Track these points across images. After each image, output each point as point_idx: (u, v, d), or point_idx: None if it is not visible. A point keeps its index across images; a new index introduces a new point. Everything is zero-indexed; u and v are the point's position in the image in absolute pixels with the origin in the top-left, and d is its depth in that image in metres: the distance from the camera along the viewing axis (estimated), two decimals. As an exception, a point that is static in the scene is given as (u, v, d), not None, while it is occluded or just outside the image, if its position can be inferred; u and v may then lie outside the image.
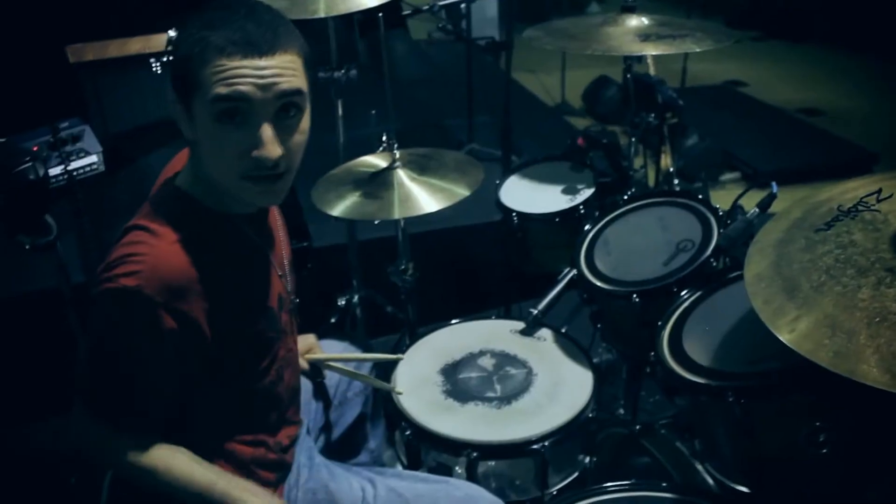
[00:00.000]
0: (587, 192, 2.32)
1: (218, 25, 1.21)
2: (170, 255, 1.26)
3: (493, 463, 1.78)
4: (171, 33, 2.48)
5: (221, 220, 1.37)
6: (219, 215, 1.36)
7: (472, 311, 2.78)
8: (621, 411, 2.29)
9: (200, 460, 1.36)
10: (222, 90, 1.20)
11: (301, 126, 1.30)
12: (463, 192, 1.99)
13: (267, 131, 1.24)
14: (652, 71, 3.36)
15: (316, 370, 1.81)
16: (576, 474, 1.75)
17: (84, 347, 1.32)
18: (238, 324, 1.37)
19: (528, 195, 2.43)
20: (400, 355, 1.90)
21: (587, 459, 1.76)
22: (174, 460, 1.34)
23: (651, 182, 3.28)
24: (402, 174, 2.04)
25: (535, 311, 1.99)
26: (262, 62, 1.21)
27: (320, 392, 1.82)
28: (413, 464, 1.75)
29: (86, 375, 1.34)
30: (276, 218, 1.57)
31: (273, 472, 1.52)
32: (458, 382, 1.82)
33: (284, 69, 1.23)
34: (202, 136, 1.27)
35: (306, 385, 1.78)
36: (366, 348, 2.04)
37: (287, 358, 1.53)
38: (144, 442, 1.34)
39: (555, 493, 1.70)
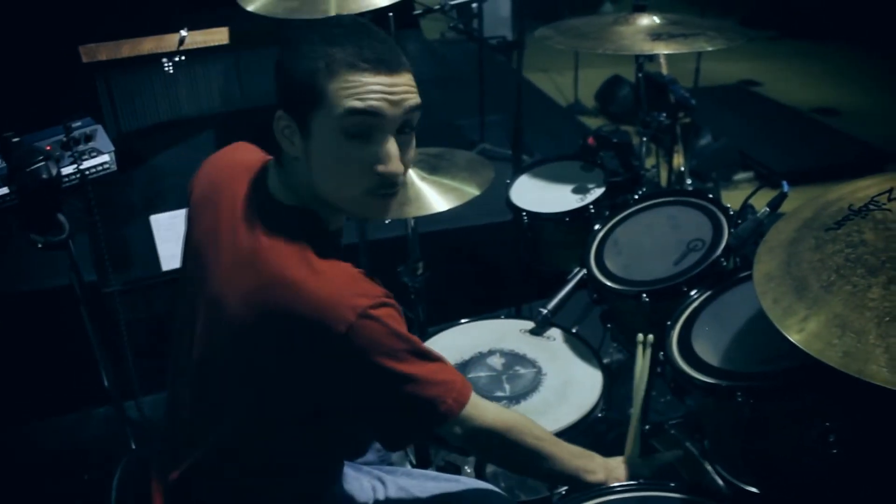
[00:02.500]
0: (597, 192, 2.32)
1: (341, 42, 1.22)
2: (336, 270, 1.24)
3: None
4: (183, 33, 2.49)
5: (330, 234, 1.36)
6: (327, 230, 1.35)
7: (482, 310, 2.79)
8: (630, 410, 2.28)
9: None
10: (357, 104, 1.20)
11: (413, 141, 1.32)
12: (473, 191, 1.99)
13: (394, 147, 1.25)
14: (665, 70, 3.35)
15: None
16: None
17: (385, 391, 1.24)
18: None
19: (538, 195, 2.42)
20: None
21: (596, 459, 1.75)
22: (525, 422, 1.41)
23: (663, 182, 3.27)
24: (412, 173, 2.04)
25: (545, 311, 1.99)
26: (392, 79, 1.22)
27: None
28: (422, 463, 1.76)
29: (416, 400, 1.26)
30: None
31: None
32: (467, 382, 1.81)
33: (409, 86, 1.25)
34: (321, 152, 1.25)
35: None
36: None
37: None
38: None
39: (563, 492, 1.70)
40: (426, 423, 1.29)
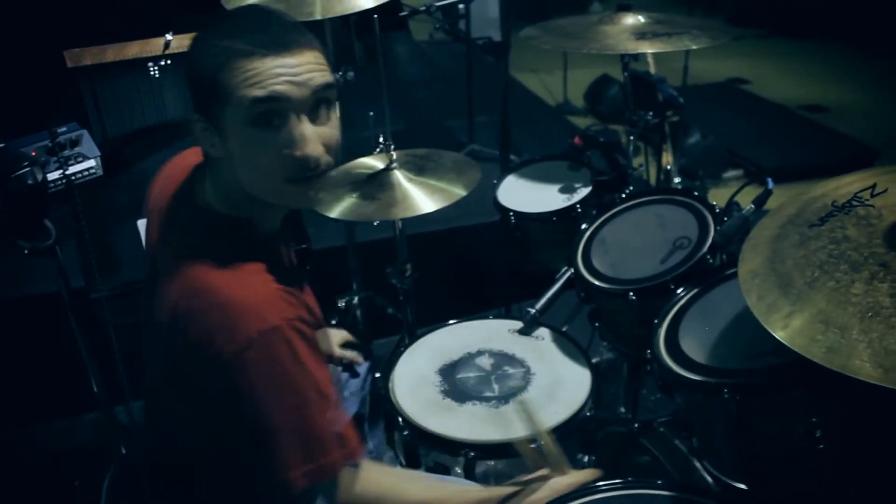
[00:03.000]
0: (584, 191, 2.32)
1: (238, 33, 1.19)
2: (249, 283, 1.22)
3: (491, 462, 1.78)
4: (168, 37, 2.49)
5: (254, 235, 1.33)
6: (259, 233, 1.33)
7: (470, 311, 2.79)
8: (622, 410, 2.29)
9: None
10: (259, 93, 1.18)
11: (333, 121, 1.28)
12: (460, 192, 1.99)
13: (307, 129, 1.22)
14: (653, 69, 3.36)
15: (349, 365, 1.83)
16: (575, 473, 1.74)
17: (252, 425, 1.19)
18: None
19: (525, 195, 2.43)
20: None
21: (586, 458, 1.76)
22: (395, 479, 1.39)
23: (652, 180, 3.28)
24: (399, 175, 2.04)
25: (533, 311, 2.00)
26: (293, 59, 1.19)
27: None
28: (412, 464, 1.76)
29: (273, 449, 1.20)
30: None
31: None
32: (456, 382, 1.82)
33: (314, 64, 1.22)
34: (236, 147, 1.23)
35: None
36: (366, 351, 2.04)
37: None
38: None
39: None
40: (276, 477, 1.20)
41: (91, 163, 2.04)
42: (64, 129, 2.04)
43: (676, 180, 3.19)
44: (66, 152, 2.02)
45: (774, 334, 1.15)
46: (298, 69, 1.20)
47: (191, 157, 1.44)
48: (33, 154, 1.93)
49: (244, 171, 1.25)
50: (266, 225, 1.34)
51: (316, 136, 1.23)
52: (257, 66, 1.17)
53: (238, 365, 1.14)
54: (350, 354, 1.81)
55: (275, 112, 1.20)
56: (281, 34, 1.20)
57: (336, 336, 1.84)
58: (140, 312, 1.44)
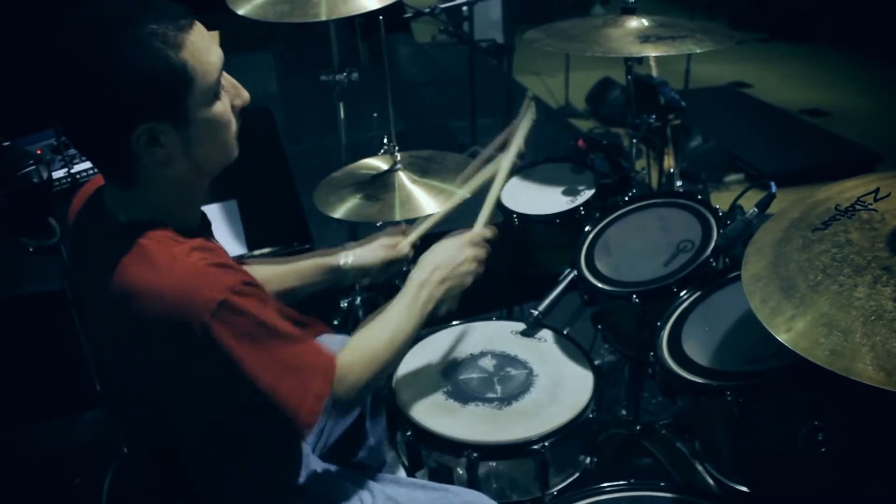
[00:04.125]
0: (588, 194, 2.32)
1: (144, 15, 1.10)
2: (186, 264, 1.16)
3: (493, 463, 1.78)
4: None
5: (184, 233, 1.26)
6: (179, 230, 1.26)
7: (473, 312, 2.79)
8: (623, 412, 2.30)
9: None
10: (216, 59, 1.17)
11: None
12: (464, 193, 2.00)
13: (230, 76, 1.24)
14: (655, 72, 3.36)
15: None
16: (576, 475, 1.75)
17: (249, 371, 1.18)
18: None
19: (528, 197, 2.43)
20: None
21: (588, 460, 1.76)
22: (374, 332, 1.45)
23: (654, 183, 3.28)
24: (403, 176, 2.05)
25: (536, 313, 2.00)
26: (199, 24, 1.18)
27: None
28: (414, 465, 1.76)
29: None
30: None
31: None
32: (458, 383, 1.82)
33: None
34: (206, 127, 1.19)
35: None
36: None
37: None
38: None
39: (555, 493, 1.70)
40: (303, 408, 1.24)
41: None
42: (69, 127, 2.04)
43: (678, 183, 3.20)
44: (71, 150, 2.03)
45: (778, 337, 1.16)
46: (203, 28, 1.18)
47: (91, 184, 1.38)
48: (38, 152, 1.94)
49: (207, 148, 1.21)
50: (187, 222, 1.29)
51: None
52: (192, 37, 1.13)
53: (208, 344, 1.13)
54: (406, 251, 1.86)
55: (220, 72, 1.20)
56: (175, 7, 1.15)
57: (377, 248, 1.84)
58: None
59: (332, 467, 1.64)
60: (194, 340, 1.12)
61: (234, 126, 1.25)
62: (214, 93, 1.18)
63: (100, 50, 1.08)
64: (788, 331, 1.16)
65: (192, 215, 1.32)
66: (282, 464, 1.48)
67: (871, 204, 1.31)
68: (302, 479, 1.54)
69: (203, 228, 1.36)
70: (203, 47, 1.15)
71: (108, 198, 1.26)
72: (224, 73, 1.22)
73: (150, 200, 1.22)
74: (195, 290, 1.12)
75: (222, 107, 1.21)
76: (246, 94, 1.25)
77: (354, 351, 1.39)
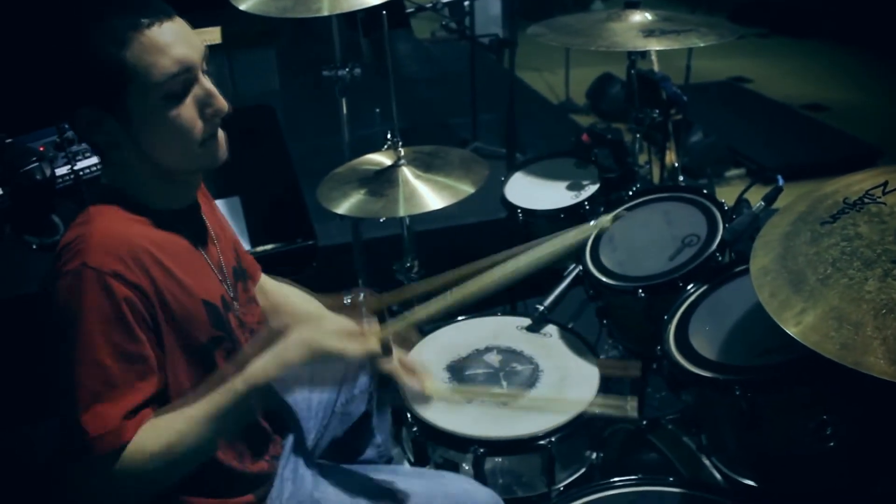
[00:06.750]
0: (592, 188, 2.32)
1: (107, 10, 1.14)
2: (110, 230, 1.18)
3: (500, 459, 1.78)
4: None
5: (159, 213, 1.28)
6: (156, 210, 1.27)
7: (478, 307, 2.78)
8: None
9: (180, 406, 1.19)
10: (169, 65, 1.15)
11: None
12: (468, 189, 2.00)
13: (209, 84, 1.22)
14: (656, 67, 3.36)
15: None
16: (583, 470, 1.75)
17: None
18: (180, 315, 1.24)
19: (532, 192, 2.43)
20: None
21: (594, 455, 1.76)
22: (169, 422, 1.17)
23: (656, 178, 3.28)
24: (406, 172, 2.04)
25: (542, 308, 2.00)
26: (177, 22, 1.18)
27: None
28: (420, 460, 1.76)
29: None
30: (217, 223, 1.49)
31: (252, 490, 1.43)
32: (464, 379, 1.82)
33: (186, 23, 1.21)
34: (151, 127, 1.19)
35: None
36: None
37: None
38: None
39: (562, 488, 1.70)
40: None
41: (99, 158, 2.04)
42: (72, 124, 2.04)
43: (679, 178, 3.19)
44: (74, 148, 2.02)
45: (788, 331, 1.15)
46: (185, 30, 1.19)
47: None
48: (41, 149, 1.93)
49: (157, 146, 1.21)
50: (165, 203, 1.29)
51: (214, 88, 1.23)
52: (153, 37, 1.14)
53: (53, 291, 1.13)
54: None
55: (186, 81, 1.19)
56: (148, 2, 1.17)
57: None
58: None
59: (332, 464, 1.63)
60: (54, 283, 1.13)
61: (198, 132, 1.22)
62: (165, 94, 1.17)
63: (54, 31, 1.16)
64: (798, 324, 1.15)
65: (174, 200, 1.31)
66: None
67: (879, 197, 1.31)
68: (290, 486, 1.49)
69: (181, 216, 1.33)
70: (156, 48, 1.14)
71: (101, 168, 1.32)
72: (202, 80, 1.21)
73: (121, 174, 1.26)
74: (96, 245, 1.14)
75: (182, 111, 1.20)
76: (222, 104, 1.23)
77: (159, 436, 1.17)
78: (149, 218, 1.26)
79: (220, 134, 1.28)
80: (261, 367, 1.22)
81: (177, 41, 1.17)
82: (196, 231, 1.37)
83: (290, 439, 1.61)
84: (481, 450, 1.63)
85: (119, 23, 1.13)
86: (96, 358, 1.12)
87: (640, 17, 2.31)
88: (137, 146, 1.21)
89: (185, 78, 1.19)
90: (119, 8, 1.15)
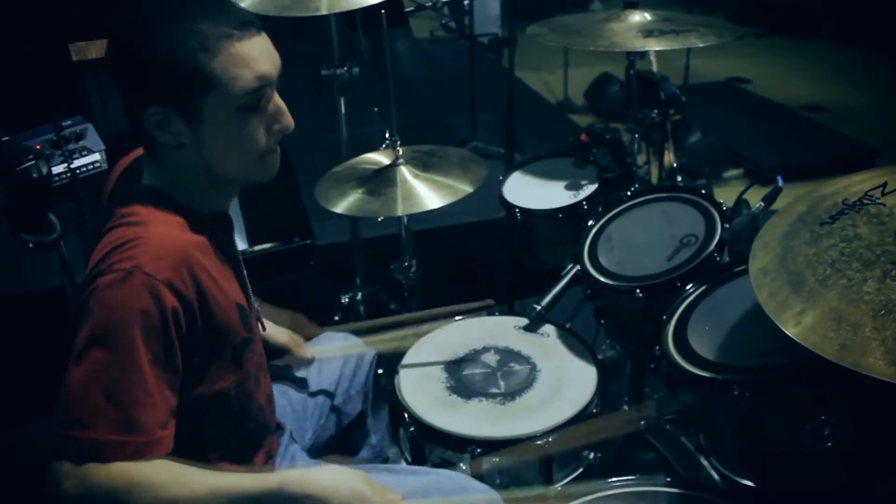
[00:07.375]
0: (590, 188, 2.32)
1: (201, 14, 1.16)
2: (167, 237, 1.20)
3: (497, 459, 1.78)
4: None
5: (198, 215, 1.30)
6: (194, 212, 1.30)
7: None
8: (626, 408, 2.29)
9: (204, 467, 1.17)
10: (251, 78, 1.18)
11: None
12: (466, 188, 1.99)
13: (280, 101, 1.26)
14: (654, 67, 3.35)
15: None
16: (580, 470, 1.74)
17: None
18: (220, 318, 1.26)
19: (531, 191, 2.42)
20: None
21: (592, 455, 1.75)
22: (183, 472, 1.14)
23: (654, 179, 3.28)
24: (405, 171, 2.04)
25: (539, 307, 1.99)
26: (262, 37, 1.21)
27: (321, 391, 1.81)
28: (417, 460, 1.75)
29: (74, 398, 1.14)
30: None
31: None
32: (461, 379, 1.81)
33: (270, 39, 1.24)
34: (215, 131, 1.21)
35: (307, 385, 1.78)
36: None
37: (260, 364, 1.45)
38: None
39: (559, 488, 1.70)
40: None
41: (96, 156, 2.03)
42: (69, 122, 2.03)
43: (678, 179, 3.19)
44: (71, 146, 2.01)
45: (786, 331, 1.15)
46: (268, 46, 1.22)
47: (132, 155, 1.43)
48: (38, 147, 1.92)
49: (219, 152, 1.24)
50: (211, 206, 1.34)
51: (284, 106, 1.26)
52: (240, 49, 1.17)
53: (96, 286, 1.13)
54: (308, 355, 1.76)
55: (262, 95, 1.22)
56: (241, 14, 1.20)
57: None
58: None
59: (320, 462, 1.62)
60: (89, 277, 1.15)
61: (259, 146, 1.25)
62: (241, 106, 1.20)
63: (144, 28, 1.17)
64: (797, 325, 1.15)
65: (214, 204, 1.35)
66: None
67: (878, 198, 1.30)
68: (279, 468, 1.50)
69: (215, 219, 1.35)
70: (242, 61, 1.18)
71: (143, 167, 1.32)
72: (275, 97, 1.25)
73: (168, 175, 1.28)
74: (131, 246, 1.15)
75: (252, 125, 1.23)
76: (289, 121, 1.27)
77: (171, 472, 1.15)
78: (187, 219, 1.27)
79: (278, 150, 1.31)
80: (301, 477, 1.19)
81: (262, 56, 1.20)
82: (227, 235, 1.40)
83: (286, 437, 1.61)
84: (478, 450, 1.63)
85: (212, 31, 1.16)
86: (135, 361, 1.12)
87: (638, 17, 2.31)
88: (199, 150, 1.24)
89: (261, 93, 1.21)
90: (214, 16, 1.17)
